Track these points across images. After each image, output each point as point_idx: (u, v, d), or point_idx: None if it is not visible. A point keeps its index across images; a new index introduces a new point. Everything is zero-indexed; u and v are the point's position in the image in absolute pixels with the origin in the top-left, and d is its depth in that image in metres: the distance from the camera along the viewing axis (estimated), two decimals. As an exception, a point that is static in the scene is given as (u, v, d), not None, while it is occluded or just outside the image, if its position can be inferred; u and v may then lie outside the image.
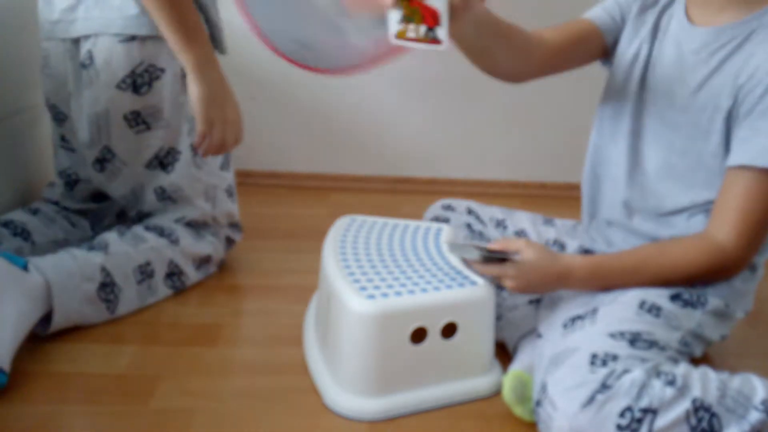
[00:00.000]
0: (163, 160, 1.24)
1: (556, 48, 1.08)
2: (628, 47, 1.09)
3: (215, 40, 1.27)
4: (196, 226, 1.30)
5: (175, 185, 1.26)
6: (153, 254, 1.21)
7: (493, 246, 0.99)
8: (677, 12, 1.05)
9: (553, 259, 0.98)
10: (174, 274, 1.24)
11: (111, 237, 1.20)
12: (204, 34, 1.14)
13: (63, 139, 1.29)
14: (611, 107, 1.12)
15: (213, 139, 1.17)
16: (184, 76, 1.19)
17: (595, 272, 0.99)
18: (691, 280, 0.97)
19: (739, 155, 0.93)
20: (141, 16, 1.14)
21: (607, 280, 0.99)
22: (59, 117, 1.27)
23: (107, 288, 1.13)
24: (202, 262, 1.30)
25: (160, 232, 1.24)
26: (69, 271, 1.08)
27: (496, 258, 0.96)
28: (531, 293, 1.07)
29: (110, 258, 1.15)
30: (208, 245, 1.30)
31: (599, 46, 1.12)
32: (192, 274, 1.28)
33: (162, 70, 1.18)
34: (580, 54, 1.12)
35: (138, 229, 1.23)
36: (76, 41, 1.18)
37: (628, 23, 1.10)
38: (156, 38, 1.15)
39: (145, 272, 1.19)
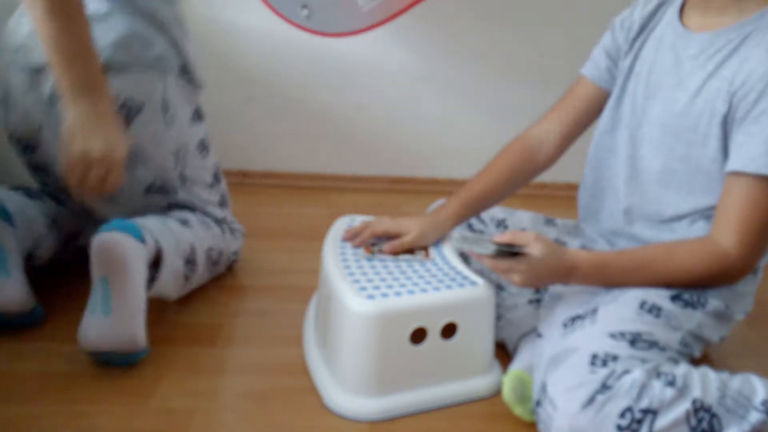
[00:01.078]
0: (162, 188, 1.20)
1: (563, 133, 1.18)
2: (624, 69, 1.12)
3: (188, 74, 1.21)
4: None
5: (185, 200, 1.25)
6: (215, 240, 1.25)
7: (502, 239, 0.97)
8: (671, 21, 1.05)
9: (560, 254, 0.97)
10: (217, 262, 1.28)
11: (188, 215, 1.21)
12: (87, 62, 0.99)
13: (36, 167, 1.22)
14: (609, 120, 1.13)
15: (75, 177, 1.01)
16: (165, 108, 1.13)
17: (599, 269, 0.98)
18: (695, 283, 0.97)
19: (735, 161, 0.93)
20: (115, 46, 1.06)
21: (611, 278, 0.98)
22: (29, 147, 1.18)
23: (189, 265, 1.15)
24: (231, 256, 1.35)
25: (207, 224, 1.26)
26: (170, 243, 1.10)
27: (506, 252, 0.95)
28: (536, 287, 1.08)
29: (195, 236, 1.18)
30: (237, 240, 1.35)
31: (604, 98, 1.16)
32: (223, 265, 1.32)
33: (141, 104, 1.10)
34: (589, 117, 1.19)
35: (196, 216, 1.25)
36: (40, 70, 1.06)
37: (621, 62, 1.13)
38: (134, 67, 1.08)
39: (210, 257, 1.23)
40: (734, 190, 0.93)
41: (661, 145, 1.03)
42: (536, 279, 0.96)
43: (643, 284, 0.96)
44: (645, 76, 1.06)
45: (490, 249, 0.94)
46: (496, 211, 1.27)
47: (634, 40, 1.10)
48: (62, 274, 1.25)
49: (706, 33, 0.99)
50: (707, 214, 0.99)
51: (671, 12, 1.06)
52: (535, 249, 0.94)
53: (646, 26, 1.10)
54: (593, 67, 1.16)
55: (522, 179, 1.19)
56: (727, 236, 0.93)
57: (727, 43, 0.96)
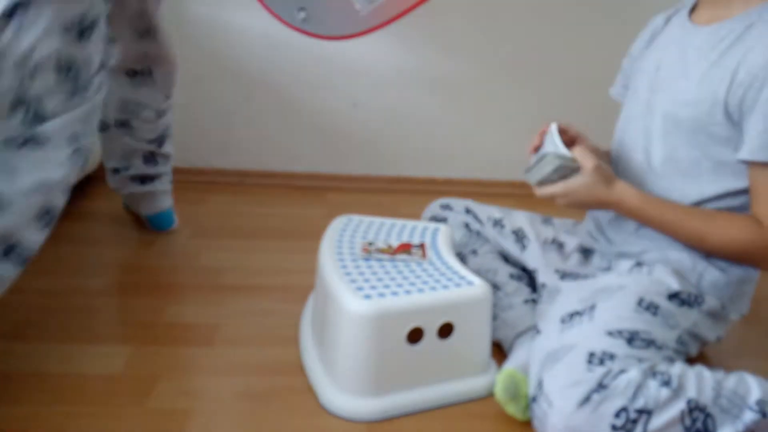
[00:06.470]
0: None
1: None
2: (636, 69, 1.16)
3: None
4: None
5: None
6: None
7: (571, 154, 1.02)
8: (681, 19, 1.08)
9: (607, 188, 1.01)
10: None
11: None
12: None
13: None
14: (623, 118, 1.15)
15: None
16: None
17: (640, 212, 1.02)
18: (731, 253, 0.98)
19: (744, 150, 0.94)
20: None
21: (650, 223, 1.02)
22: None
23: None
24: None
25: None
26: None
27: (565, 168, 1.01)
28: (579, 208, 1.10)
29: None
30: None
31: None
32: None
33: None
34: None
35: None
36: None
37: (635, 65, 1.17)
38: None
39: None
40: (753, 176, 0.95)
41: (666, 135, 1.03)
42: (579, 204, 1.03)
43: (679, 238, 1.00)
44: (653, 73, 1.08)
45: (551, 164, 1.01)
46: (493, 211, 1.27)
47: (649, 42, 1.14)
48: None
49: (711, 25, 1.01)
50: (715, 205, 1.00)
51: (682, 12, 1.09)
52: (577, 180, 1.00)
53: (662, 30, 1.13)
54: (622, 90, 1.22)
55: None
56: (765, 216, 0.94)
57: (729, 32, 0.97)
